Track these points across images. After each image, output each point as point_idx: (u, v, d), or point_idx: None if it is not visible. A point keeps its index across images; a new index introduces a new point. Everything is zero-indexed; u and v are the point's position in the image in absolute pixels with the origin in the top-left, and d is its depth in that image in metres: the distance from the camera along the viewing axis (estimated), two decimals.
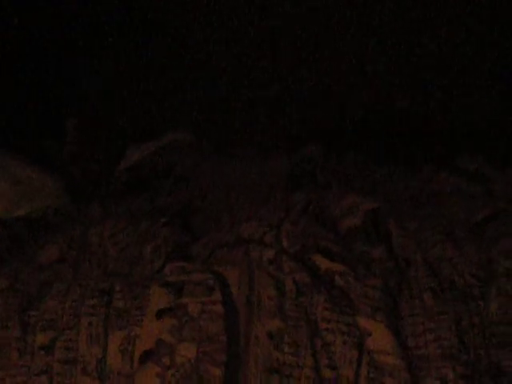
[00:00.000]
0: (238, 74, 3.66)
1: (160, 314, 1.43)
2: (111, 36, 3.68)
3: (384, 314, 1.45)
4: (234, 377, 1.37)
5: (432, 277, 1.55)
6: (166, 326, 1.41)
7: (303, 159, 2.70)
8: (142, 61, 3.67)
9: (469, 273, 1.55)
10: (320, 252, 1.61)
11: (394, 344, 1.40)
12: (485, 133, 2.94)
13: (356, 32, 3.46)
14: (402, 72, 3.41)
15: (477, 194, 2.04)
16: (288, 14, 3.51)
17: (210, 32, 3.60)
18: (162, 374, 1.36)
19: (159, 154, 2.99)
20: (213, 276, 1.50)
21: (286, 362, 1.38)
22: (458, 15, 3.25)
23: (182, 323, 1.42)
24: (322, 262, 1.57)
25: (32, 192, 2.41)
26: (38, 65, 3.53)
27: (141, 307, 1.44)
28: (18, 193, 2.38)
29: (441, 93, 3.31)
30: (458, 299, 1.49)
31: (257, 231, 1.72)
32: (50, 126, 3.53)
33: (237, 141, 3.32)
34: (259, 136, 3.44)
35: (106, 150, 3.34)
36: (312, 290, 1.48)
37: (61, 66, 3.68)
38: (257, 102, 3.63)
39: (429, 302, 1.49)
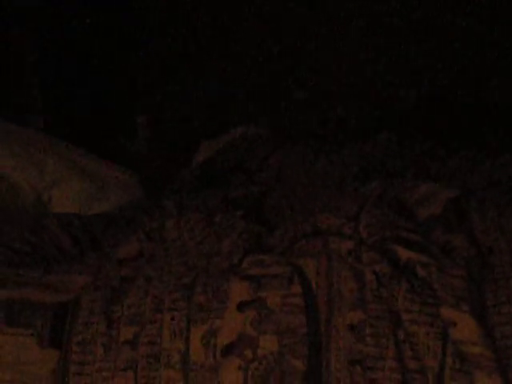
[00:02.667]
0: (303, 66, 3.66)
1: (241, 307, 1.43)
2: (181, 32, 3.71)
3: (468, 303, 1.42)
4: (316, 369, 1.36)
5: None
6: (248, 319, 1.41)
7: (374, 147, 2.68)
8: (212, 56, 3.69)
9: None
10: (400, 242, 1.59)
11: (480, 334, 1.37)
12: None
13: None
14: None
15: None
16: None
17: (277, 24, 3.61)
18: (245, 366, 1.36)
19: (231, 147, 3.01)
20: (292, 268, 1.50)
21: (369, 354, 1.37)
22: None
23: (262, 316, 1.42)
24: (403, 253, 1.55)
25: (108, 188, 2.45)
26: (106, 62, 3.58)
27: (222, 301, 1.45)
28: (93, 189, 2.42)
29: None
30: None
31: (334, 222, 1.70)
32: (121, 123, 3.59)
33: (305, 132, 3.32)
34: (328, 127, 3.44)
35: (178, 145, 3.38)
36: (393, 281, 1.46)
37: (130, 62, 3.73)
38: (324, 93, 3.62)
39: None
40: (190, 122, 3.71)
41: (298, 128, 3.48)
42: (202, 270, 1.62)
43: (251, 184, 2.46)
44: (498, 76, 3.32)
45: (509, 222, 1.66)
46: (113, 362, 1.42)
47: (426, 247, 1.59)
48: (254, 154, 2.89)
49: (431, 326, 1.39)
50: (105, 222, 2.12)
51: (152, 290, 1.52)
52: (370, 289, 1.46)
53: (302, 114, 3.61)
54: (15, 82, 3.19)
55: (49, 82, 3.24)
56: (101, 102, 3.53)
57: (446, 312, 1.41)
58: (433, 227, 1.70)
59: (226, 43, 3.71)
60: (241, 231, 1.80)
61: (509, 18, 3.26)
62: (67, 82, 3.34)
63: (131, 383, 1.40)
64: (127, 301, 1.51)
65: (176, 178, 2.77)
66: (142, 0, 3.77)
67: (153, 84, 3.85)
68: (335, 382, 1.35)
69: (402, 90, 3.47)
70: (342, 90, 3.59)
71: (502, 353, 1.37)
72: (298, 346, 1.37)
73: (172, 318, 1.45)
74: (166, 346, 1.42)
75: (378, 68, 3.54)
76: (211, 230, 1.84)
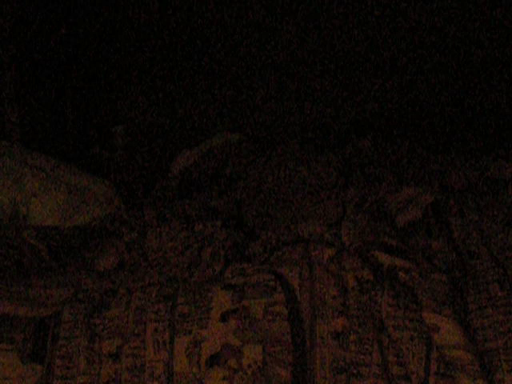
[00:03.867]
0: (280, 71, 3.66)
1: (224, 317, 1.43)
2: (157, 42, 3.70)
3: (451, 308, 1.42)
4: (301, 377, 1.36)
5: (498, 268, 1.52)
6: (231, 329, 1.40)
7: (353, 153, 2.68)
8: (189, 64, 3.69)
9: None
10: (381, 248, 1.59)
11: (463, 338, 1.37)
12: None
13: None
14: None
15: None
16: None
17: (250, 32, 3.61)
18: (230, 376, 1.35)
19: (209, 156, 3.00)
20: (274, 276, 1.49)
21: (353, 361, 1.37)
22: None
23: (246, 325, 1.41)
24: (384, 258, 1.55)
25: (86, 200, 2.43)
26: (83, 73, 3.57)
27: (205, 311, 1.44)
28: (72, 202, 2.40)
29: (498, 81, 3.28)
30: None
31: (316, 230, 1.71)
32: (97, 134, 3.57)
33: (284, 138, 3.32)
34: (306, 132, 3.44)
35: (156, 154, 3.36)
36: (375, 287, 1.47)
37: (106, 72, 3.72)
38: (302, 97, 3.63)
39: (496, 294, 1.46)
40: (167, 131, 3.70)
41: (276, 135, 3.48)
42: (184, 280, 1.62)
43: (231, 192, 2.46)
44: (476, 80, 3.35)
45: (489, 226, 1.67)
46: (96, 376, 1.41)
47: (408, 252, 1.60)
48: (233, 161, 2.89)
49: (415, 331, 1.39)
50: (84, 234, 2.11)
51: (134, 302, 1.51)
52: (352, 295, 1.46)
53: (279, 120, 3.61)
54: None
55: (25, 93, 3.22)
56: (77, 114, 3.51)
57: (429, 317, 1.41)
58: (413, 232, 1.71)
59: (204, 52, 3.71)
60: (222, 240, 1.80)
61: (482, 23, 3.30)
62: (43, 94, 3.32)
63: None
64: (109, 313, 1.49)
65: (155, 188, 2.76)
66: (117, 10, 3.76)
67: (129, 94, 3.84)
68: None
69: (380, 95, 3.49)
70: (321, 96, 3.60)
71: (486, 356, 1.37)
72: (282, 354, 1.37)
73: (155, 330, 1.44)
74: (149, 358, 1.41)
75: (356, 73, 3.55)
76: (192, 240, 1.84)
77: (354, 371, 1.35)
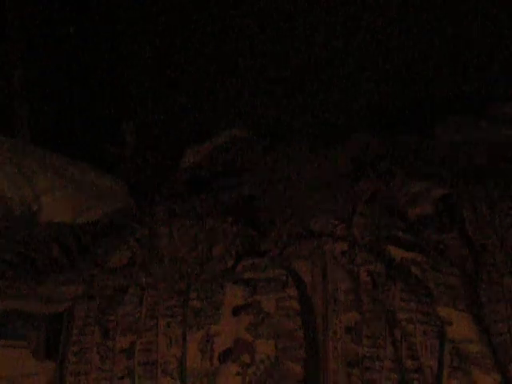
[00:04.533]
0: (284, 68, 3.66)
1: (236, 312, 1.43)
2: (167, 39, 3.70)
3: (464, 301, 1.42)
4: (313, 372, 1.36)
5: (510, 261, 1.52)
6: (244, 324, 1.40)
7: (364, 148, 2.68)
8: (197, 60, 3.69)
9: None
10: (393, 242, 1.59)
11: (476, 331, 1.37)
12: None
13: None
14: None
15: None
16: None
17: (257, 31, 3.61)
18: (243, 372, 1.35)
19: (218, 152, 3.00)
20: (286, 271, 1.49)
21: (366, 355, 1.36)
22: None
23: (258, 320, 1.41)
24: (396, 252, 1.55)
25: (97, 197, 2.44)
26: (93, 70, 3.57)
27: (217, 306, 1.44)
28: (83, 199, 2.41)
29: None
30: None
31: (327, 224, 1.70)
32: (108, 131, 3.57)
33: (293, 133, 3.32)
34: (314, 127, 3.44)
35: (166, 150, 3.36)
36: (387, 281, 1.46)
37: (115, 70, 3.72)
38: (309, 92, 3.63)
39: (509, 287, 1.46)
40: (177, 128, 3.71)
41: (286, 130, 3.48)
42: (196, 275, 1.61)
43: (240, 188, 2.45)
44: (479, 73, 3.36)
45: (501, 219, 1.66)
46: (109, 372, 1.41)
47: (420, 246, 1.59)
48: (242, 157, 2.89)
49: (428, 325, 1.39)
50: (95, 231, 2.11)
51: (146, 298, 1.51)
52: (365, 289, 1.46)
53: (290, 116, 3.61)
54: (1, 94, 3.18)
55: (35, 91, 3.23)
56: (87, 111, 3.52)
57: (442, 310, 1.41)
58: (425, 226, 1.71)
59: (211, 49, 3.71)
60: (233, 236, 1.79)
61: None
62: (53, 91, 3.33)
63: None
64: (122, 309, 1.50)
65: (165, 184, 2.77)
66: (125, 8, 3.77)
67: (139, 91, 3.84)
68: None
69: (390, 91, 3.49)
70: (331, 92, 3.60)
71: (500, 350, 1.37)
72: (295, 349, 1.37)
73: (168, 325, 1.44)
74: (162, 354, 1.41)
75: (365, 72, 3.56)
76: (203, 236, 1.84)
77: (367, 365, 1.35)
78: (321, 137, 3.10)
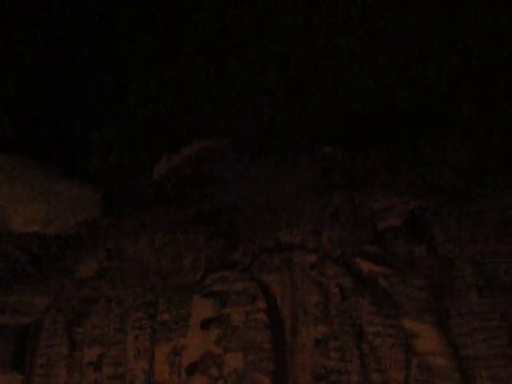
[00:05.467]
0: (258, 78, 3.65)
1: (205, 325, 1.43)
2: (137, 46, 3.69)
3: (430, 314, 1.43)
4: None
5: (477, 274, 1.53)
6: (212, 337, 1.40)
7: (332, 160, 2.69)
8: (169, 69, 3.67)
9: None
10: (362, 255, 1.60)
11: (443, 345, 1.38)
12: None
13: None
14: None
15: None
16: None
17: (238, 38, 3.60)
18: None
19: (190, 162, 2.99)
20: (256, 284, 1.49)
21: (334, 368, 1.37)
22: None
23: (227, 333, 1.41)
24: (365, 265, 1.56)
25: (66, 207, 2.42)
26: (61, 78, 3.54)
27: (185, 319, 1.44)
28: (52, 209, 2.39)
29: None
30: (504, 296, 1.47)
31: (297, 236, 1.71)
32: (78, 140, 3.55)
33: (266, 144, 3.31)
34: (287, 138, 3.43)
35: (136, 160, 3.35)
36: (356, 294, 1.47)
37: (84, 78, 3.70)
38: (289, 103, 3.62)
39: (475, 301, 1.47)
40: (149, 137, 3.69)
41: (256, 140, 3.48)
42: (165, 287, 1.61)
43: (212, 199, 2.45)
44: (448, 85, 3.37)
45: (468, 233, 1.68)
46: None
47: (388, 259, 1.60)
48: (214, 167, 2.88)
49: (395, 338, 1.40)
50: (64, 242, 2.10)
51: (114, 310, 1.51)
52: (333, 302, 1.46)
53: (259, 126, 3.61)
54: None
55: (4, 103, 3.20)
56: (57, 121, 3.49)
57: (409, 324, 1.42)
58: (394, 239, 1.72)
59: (188, 55, 3.70)
60: (202, 247, 1.79)
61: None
62: (22, 102, 3.30)
63: None
64: (90, 322, 1.49)
65: (135, 195, 2.75)
66: (92, 21, 3.75)
67: (109, 99, 3.82)
68: None
69: (360, 103, 3.50)
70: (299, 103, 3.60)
71: (465, 363, 1.38)
72: (263, 362, 1.37)
73: (136, 338, 1.44)
74: (130, 366, 1.41)
75: (338, 81, 3.56)
76: (173, 247, 1.83)
77: (335, 379, 1.36)
78: (297, 149, 3.10)
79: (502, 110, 2.94)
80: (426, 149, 2.69)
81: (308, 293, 1.47)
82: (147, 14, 3.62)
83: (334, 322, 1.43)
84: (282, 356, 1.39)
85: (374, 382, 1.35)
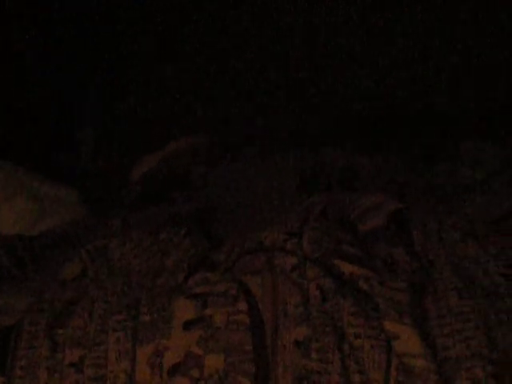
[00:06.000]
0: (244, 74, 3.65)
1: (187, 326, 1.43)
2: (123, 46, 3.68)
3: (410, 316, 1.44)
4: None
5: (456, 276, 1.54)
6: (194, 338, 1.41)
7: (315, 162, 2.69)
8: (152, 68, 3.67)
9: (494, 271, 1.54)
10: (342, 256, 1.61)
11: (422, 346, 1.39)
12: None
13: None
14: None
15: (498, 188, 2.03)
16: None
17: (222, 37, 3.60)
18: None
19: (171, 160, 2.99)
20: (237, 285, 1.50)
21: (315, 369, 1.38)
22: None
23: (208, 334, 1.42)
24: (346, 267, 1.57)
25: (50, 207, 2.42)
26: (47, 77, 3.53)
27: (168, 320, 1.44)
28: (36, 209, 2.39)
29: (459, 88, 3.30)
30: (483, 298, 1.48)
31: (278, 238, 1.72)
32: (62, 139, 3.54)
33: (248, 142, 3.31)
34: (270, 136, 3.43)
35: (121, 160, 3.34)
36: (337, 296, 1.48)
37: (71, 77, 3.69)
38: (266, 103, 3.62)
39: (454, 302, 1.48)
40: (133, 137, 3.68)
41: (239, 139, 3.48)
42: (147, 289, 1.61)
43: (194, 198, 2.46)
44: (439, 85, 3.37)
45: (448, 235, 1.69)
46: None
47: (369, 261, 1.61)
48: (196, 166, 2.89)
49: (375, 340, 1.40)
50: (48, 242, 2.10)
51: (96, 311, 1.51)
52: (314, 304, 1.47)
53: (241, 125, 3.61)
54: None
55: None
56: (41, 119, 3.48)
57: (389, 325, 1.43)
58: (375, 240, 1.73)
59: (168, 55, 3.70)
60: (185, 248, 1.80)
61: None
62: (6, 99, 3.29)
63: None
64: (71, 323, 1.49)
65: (119, 195, 2.75)
66: (82, 18, 3.73)
67: (93, 99, 3.81)
68: None
69: (345, 101, 3.50)
70: (285, 101, 3.60)
71: (445, 365, 1.39)
72: (244, 363, 1.38)
73: (117, 339, 1.44)
74: (111, 368, 1.41)
75: (325, 79, 3.56)
76: (156, 248, 1.84)
77: (316, 379, 1.36)
78: (277, 148, 3.10)
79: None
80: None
81: (289, 295, 1.48)
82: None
83: (315, 323, 1.43)
84: (263, 357, 1.40)
85: (355, 382, 1.36)
